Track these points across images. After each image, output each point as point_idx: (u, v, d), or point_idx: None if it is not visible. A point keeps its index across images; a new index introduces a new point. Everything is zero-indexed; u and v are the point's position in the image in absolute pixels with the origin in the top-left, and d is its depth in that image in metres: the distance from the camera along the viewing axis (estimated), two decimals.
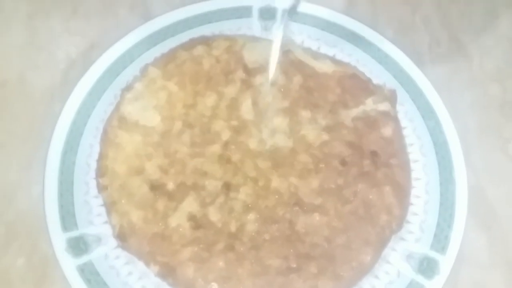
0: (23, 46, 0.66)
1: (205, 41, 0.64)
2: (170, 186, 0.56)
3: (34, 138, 0.60)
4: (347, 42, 0.65)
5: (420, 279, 0.54)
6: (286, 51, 0.63)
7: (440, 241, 0.55)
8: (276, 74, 0.62)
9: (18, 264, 0.56)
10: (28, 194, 0.58)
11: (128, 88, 0.61)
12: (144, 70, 0.62)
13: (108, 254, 0.54)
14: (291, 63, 0.63)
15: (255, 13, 0.66)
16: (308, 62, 0.63)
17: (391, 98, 0.62)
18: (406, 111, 0.62)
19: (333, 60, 0.64)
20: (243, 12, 0.66)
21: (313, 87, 0.62)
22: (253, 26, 0.66)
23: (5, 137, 0.61)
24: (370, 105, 0.61)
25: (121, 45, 0.63)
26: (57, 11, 0.68)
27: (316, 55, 0.64)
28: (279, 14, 0.66)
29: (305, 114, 0.60)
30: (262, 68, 0.62)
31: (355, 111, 0.60)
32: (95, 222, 0.55)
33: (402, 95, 0.62)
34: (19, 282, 0.55)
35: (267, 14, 0.66)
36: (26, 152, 0.60)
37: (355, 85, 0.62)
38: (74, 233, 0.54)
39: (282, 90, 0.61)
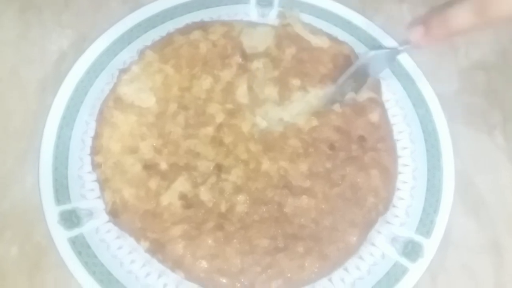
0: (15, 41, 0.67)
1: (202, 26, 0.65)
2: (163, 166, 0.57)
3: (28, 130, 0.61)
4: (342, 30, 0.66)
5: (404, 261, 0.55)
6: (285, 25, 0.65)
7: (425, 225, 0.56)
8: (270, 46, 0.63)
9: (12, 253, 0.56)
10: (22, 185, 0.59)
11: (125, 70, 0.62)
12: (141, 53, 0.63)
13: (99, 228, 0.55)
14: (288, 35, 0.64)
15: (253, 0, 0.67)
16: (305, 36, 0.64)
17: (375, 87, 0.63)
18: (397, 99, 0.63)
19: (331, 37, 0.65)
20: None
21: (306, 59, 0.63)
22: (250, 12, 0.67)
23: None
24: None
25: (121, 25, 0.64)
26: (49, 5, 0.69)
27: (315, 31, 0.65)
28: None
29: (295, 82, 0.62)
30: (260, 54, 0.63)
31: None
32: (88, 196, 0.56)
33: (394, 84, 0.64)
34: (13, 271, 0.55)
35: (264, 0, 0.67)
36: (20, 144, 0.61)
37: (347, 65, 0.62)
38: (66, 206, 0.55)
39: (273, 60, 0.63)
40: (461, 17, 0.47)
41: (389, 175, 0.58)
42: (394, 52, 0.59)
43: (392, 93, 0.63)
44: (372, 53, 0.59)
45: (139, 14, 0.65)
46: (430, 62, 0.66)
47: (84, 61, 0.62)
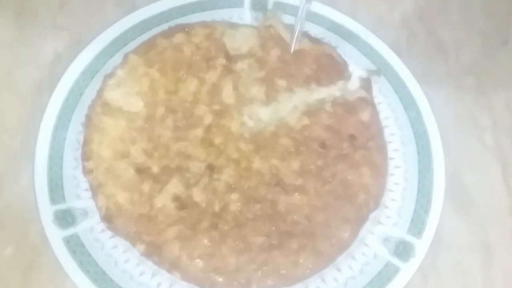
0: (10, 42, 0.67)
1: (184, 29, 0.65)
2: (155, 169, 0.57)
3: (23, 131, 0.61)
4: (334, 34, 0.67)
5: (395, 261, 0.55)
6: (267, 26, 0.66)
7: (416, 225, 0.57)
8: (254, 47, 0.64)
9: (7, 253, 0.56)
10: (17, 185, 0.59)
11: (110, 74, 0.62)
12: (125, 57, 0.63)
13: (93, 227, 0.55)
14: (271, 37, 0.65)
15: (247, 4, 0.68)
16: (286, 38, 0.65)
17: (366, 86, 0.64)
18: (389, 102, 0.64)
19: (312, 39, 0.66)
20: (235, 2, 0.68)
21: (290, 60, 0.64)
22: (244, 16, 0.68)
23: None
24: (340, 86, 0.63)
25: (116, 27, 0.65)
26: (44, 7, 0.69)
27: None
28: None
29: (281, 83, 0.63)
30: (244, 55, 0.64)
31: (325, 90, 0.63)
32: (82, 196, 0.57)
33: (386, 87, 0.64)
34: (7, 271, 0.55)
35: (258, 4, 0.68)
36: (15, 144, 0.61)
37: (330, 65, 0.64)
38: (61, 206, 0.55)
39: (259, 61, 0.63)
40: None
41: (379, 172, 0.59)
42: None
43: (383, 96, 0.64)
44: None
45: (134, 17, 0.66)
46: (421, 65, 0.67)
47: (79, 62, 0.62)
